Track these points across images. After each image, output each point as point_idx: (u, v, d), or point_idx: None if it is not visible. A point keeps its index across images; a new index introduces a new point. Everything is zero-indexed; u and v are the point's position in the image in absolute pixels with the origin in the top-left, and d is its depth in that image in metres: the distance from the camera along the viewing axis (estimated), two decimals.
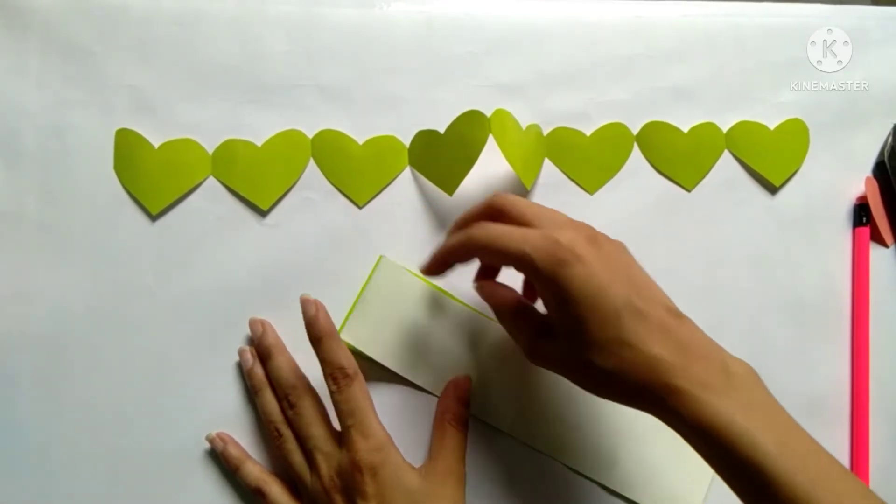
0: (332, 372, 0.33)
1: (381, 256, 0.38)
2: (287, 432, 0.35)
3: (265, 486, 0.35)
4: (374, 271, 0.38)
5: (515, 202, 0.32)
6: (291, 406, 0.34)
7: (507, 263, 0.31)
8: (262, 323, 0.37)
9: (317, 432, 0.34)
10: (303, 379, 0.36)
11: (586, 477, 0.37)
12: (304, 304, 0.35)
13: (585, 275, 0.28)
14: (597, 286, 0.28)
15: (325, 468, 0.33)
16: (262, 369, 0.36)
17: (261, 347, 0.37)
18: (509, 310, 0.33)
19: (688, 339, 0.28)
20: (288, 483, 0.36)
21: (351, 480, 0.31)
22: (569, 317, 0.28)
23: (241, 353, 0.37)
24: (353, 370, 0.33)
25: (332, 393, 0.33)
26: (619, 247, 0.31)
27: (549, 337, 0.30)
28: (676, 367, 0.27)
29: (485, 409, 0.38)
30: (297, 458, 0.34)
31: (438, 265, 0.34)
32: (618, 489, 0.37)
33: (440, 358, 0.38)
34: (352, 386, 0.33)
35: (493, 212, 0.32)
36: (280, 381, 0.35)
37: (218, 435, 0.37)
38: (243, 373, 0.37)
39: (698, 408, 0.26)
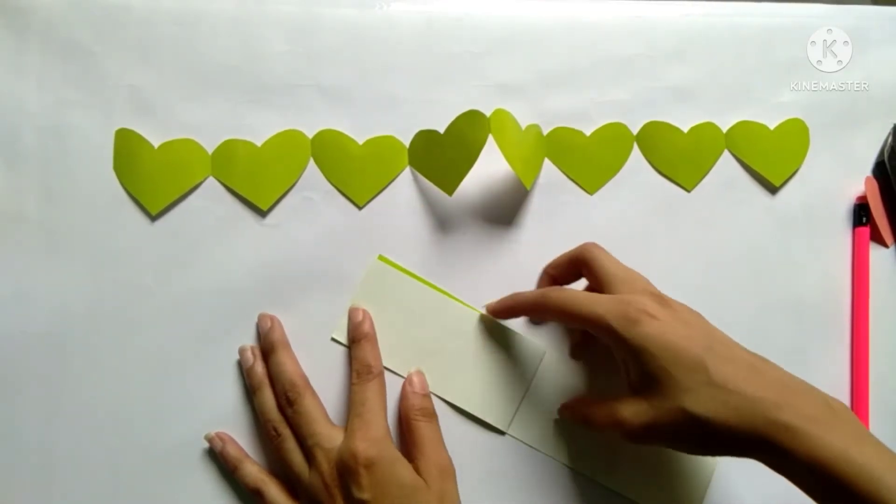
0: (358, 368, 0.35)
1: (377, 256, 0.39)
2: (285, 431, 0.35)
3: (263, 487, 0.35)
4: (367, 272, 0.38)
5: (603, 259, 0.34)
6: (290, 403, 0.35)
7: (581, 326, 0.32)
8: (271, 318, 0.37)
9: (318, 430, 0.34)
10: (303, 377, 0.36)
11: (586, 476, 0.37)
12: (352, 312, 0.38)
13: (660, 330, 0.29)
14: (673, 339, 0.28)
15: (325, 464, 0.33)
16: (262, 368, 0.36)
17: (265, 342, 0.37)
18: (595, 407, 0.33)
19: (782, 378, 0.28)
20: (286, 483, 0.36)
21: (348, 472, 0.32)
22: (652, 372, 0.29)
23: (241, 351, 0.37)
24: (378, 371, 0.36)
25: (351, 385, 0.35)
26: (690, 309, 0.32)
27: (632, 400, 0.30)
28: (780, 403, 0.27)
29: (483, 408, 0.38)
30: (295, 457, 0.34)
31: (506, 312, 0.36)
32: (618, 489, 0.37)
33: (437, 357, 0.38)
34: (371, 382, 0.35)
35: (579, 261, 0.35)
36: (280, 378, 0.35)
37: (217, 434, 0.37)
38: (243, 371, 0.37)
39: (811, 444, 0.26)
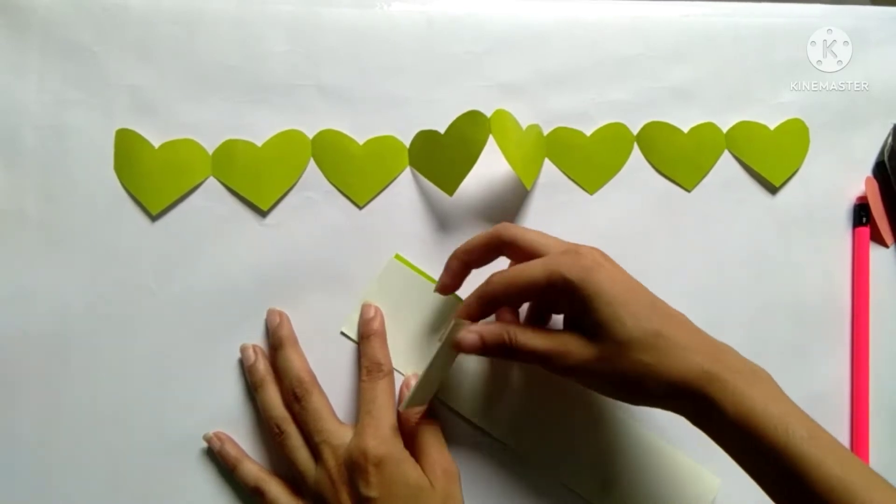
0: (368, 365, 0.35)
1: (394, 255, 0.39)
2: (289, 429, 0.35)
3: (264, 485, 0.35)
4: (383, 270, 0.38)
5: (525, 233, 0.33)
6: (298, 400, 0.35)
7: (536, 293, 0.31)
8: (280, 314, 0.37)
9: (326, 426, 0.34)
10: (310, 373, 0.36)
11: (583, 498, 0.37)
12: (365, 308, 0.37)
13: (612, 277, 0.30)
14: (626, 286, 0.30)
15: (333, 460, 0.33)
16: (264, 365, 0.36)
17: (273, 338, 0.37)
18: (534, 333, 0.32)
19: (712, 339, 0.31)
20: (287, 481, 0.36)
21: (357, 469, 0.32)
22: (603, 316, 0.30)
23: (243, 349, 0.37)
24: (388, 369, 0.36)
25: (361, 382, 0.35)
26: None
27: (575, 346, 0.31)
28: (714, 358, 0.29)
29: (486, 418, 0.38)
30: (301, 454, 0.34)
31: (467, 314, 0.34)
32: None
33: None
34: (382, 380, 0.35)
35: (499, 243, 0.34)
36: (288, 374, 0.35)
37: (215, 434, 0.37)
38: (244, 369, 0.37)
39: (736, 396, 0.28)
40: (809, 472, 0.26)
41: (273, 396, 0.36)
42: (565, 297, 0.31)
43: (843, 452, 0.27)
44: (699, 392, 0.28)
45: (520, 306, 0.36)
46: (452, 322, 0.33)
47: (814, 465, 0.26)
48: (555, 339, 0.31)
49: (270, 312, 0.37)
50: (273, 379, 0.36)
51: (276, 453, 0.37)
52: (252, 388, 0.37)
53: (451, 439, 0.37)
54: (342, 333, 0.38)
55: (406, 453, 0.33)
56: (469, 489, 0.36)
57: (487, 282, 0.33)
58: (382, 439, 0.32)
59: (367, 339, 0.36)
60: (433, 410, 0.37)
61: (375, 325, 0.37)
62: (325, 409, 0.35)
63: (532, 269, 0.31)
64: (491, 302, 0.33)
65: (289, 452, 0.34)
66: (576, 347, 0.31)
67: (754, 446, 0.27)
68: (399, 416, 0.35)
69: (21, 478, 0.36)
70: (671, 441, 0.38)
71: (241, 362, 0.37)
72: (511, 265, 0.36)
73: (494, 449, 0.38)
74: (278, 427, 0.35)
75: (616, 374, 0.30)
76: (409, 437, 0.35)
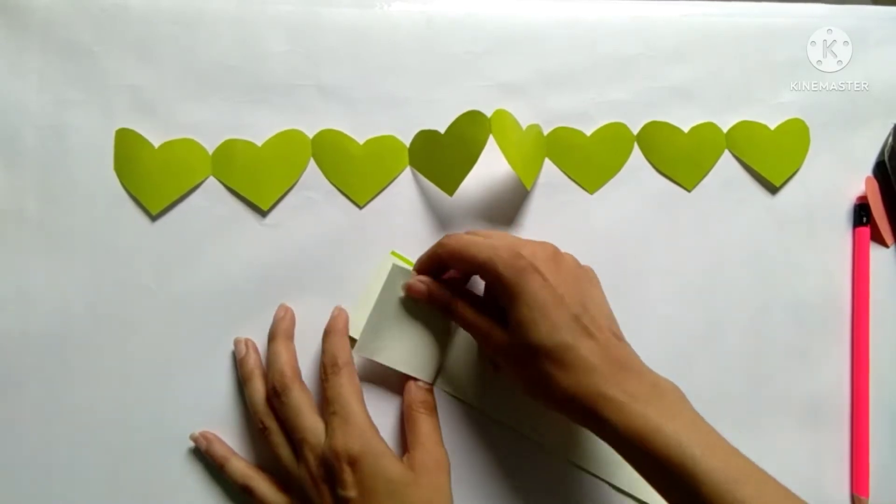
0: (325, 361, 0.35)
1: (390, 252, 0.39)
2: (272, 424, 0.34)
3: (251, 483, 0.35)
4: (378, 267, 0.38)
5: (466, 247, 0.34)
6: (277, 395, 0.34)
7: (474, 270, 0.34)
8: (286, 309, 0.37)
9: (304, 423, 0.33)
10: (293, 368, 0.35)
11: (592, 474, 0.37)
12: (334, 309, 0.37)
13: (541, 285, 0.31)
14: (550, 297, 0.31)
15: (312, 458, 0.32)
16: (254, 360, 0.36)
17: (271, 329, 0.37)
18: (468, 296, 0.36)
19: (624, 358, 0.31)
20: (277, 476, 0.35)
21: (331, 470, 0.31)
22: (521, 317, 0.31)
23: (235, 342, 0.37)
24: (343, 361, 0.35)
25: (321, 382, 0.35)
26: (583, 272, 0.34)
27: (504, 330, 0.33)
28: (610, 379, 0.30)
29: (493, 404, 0.38)
30: (283, 450, 0.34)
31: (418, 269, 0.37)
32: (625, 488, 0.37)
33: (450, 358, 0.38)
34: (339, 375, 0.34)
35: (442, 260, 0.35)
36: (272, 367, 0.35)
37: (201, 434, 0.37)
38: (236, 362, 0.37)
39: (627, 415, 0.29)
40: (703, 490, 0.27)
41: (258, 391, 0.35)
42: (496, 288, 0.32)
43: (739, 468, 0.28)
44: (591, 411, 0.29)
45: (468, 278, 0.38)
46: (391, 265, 0.37)
47: (706, 481, 0.27)
48: (485, 319, 0.33)
49: (280, 306, 0.38)
50: (261, 374, 0.36)
51: (264, 447, 0.37)
52: (241, 381, 0.37)
53: (452, 429, 0.37)
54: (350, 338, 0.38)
55: (383, 447, 0.32)
56: (470, 479, 0.36)
57: (440, 243, 0.35)
58: (354, 437, 0.32)
59: (324, 337, 0.36)
60: (434, 401, 0.37)
61: (336, 322, 0.36)
62: (305, 405, 0.34)
63: (477, 249, 0.33)
64: (438, 264, 0.36)
65: (273, 448, 0.34)
66: (497, 335, 0.33)
67: (651, 464, 0.28)
68: (403, 403, 0.36)
69: (21, 477, 0.36)
70: None
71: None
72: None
73: (495, 435, 0.38)
74: (262, 423, 0.35)
75: (522, 373, 0.32)
76: (406, 426, 0.35)
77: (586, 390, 0.30)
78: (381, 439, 0.33)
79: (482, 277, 0.34)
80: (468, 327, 0.35)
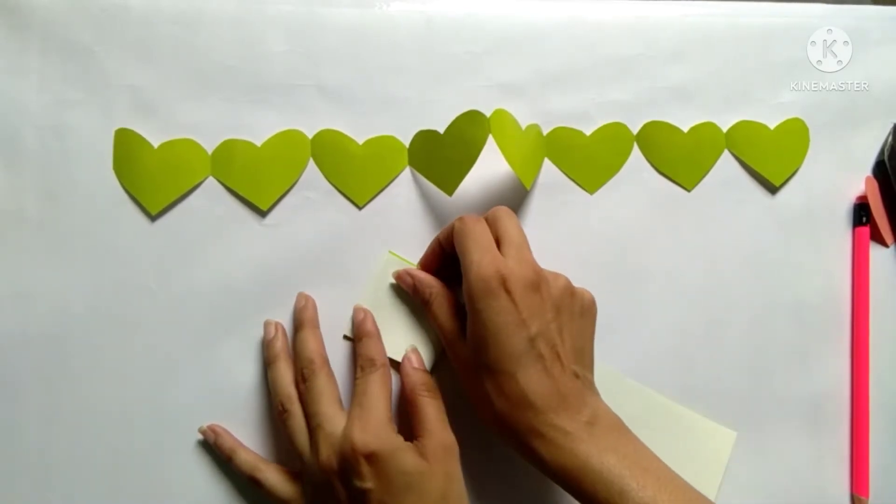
0: (361, 362, 0.36)
1: (389, 252, 0.39)
2: (293, 408, 0.35)
3: (259, 474, 0.35)
4: (378, 267, 0.39)
5: (511, 224, 0.34)
6: (304, 379, 0.35)
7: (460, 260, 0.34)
8: (306, 298, 0.38)
9: (323, 410, 0.34)
10: (322, 356, 0.36)
11: None
12: (355, 311, 0.38)
13: (502, 309, 0.31)
14: (508, 322, 0.31)
15: (325, 448, 0.32)
16: (282, 343, 0.37)
17: (296, 319, 0.37)
18: (447, 299, 0.36)
19: (568, 393, 0.31)
20: (288, 464, 0.36)
21: (348, 462, 0.31)
22: (476, 337, 0.32)
23: (266, 325, 0.38)
24: (380, 363, 0.36)
25: (355, 379, 0.35)
26: (574, 304, 0.34)
27: (459, 341, 0.34)
28: (544, 413, 0.30)
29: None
30: (300, 436, 0.34)
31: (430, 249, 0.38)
32: None
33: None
34: (374, 373, 0.35)
35: (445, 251, 0.36)
36: (301, 354, 0.36)
37: (209, 427, 0.37)
38: (263, 343, 0.37)
39: (555, 451, 0.29)
40: None
41: (283, 374, 0.36)
42: (465, 296, 0.33)
43: (670, 496, 0.28)
44: (524, 443, 0.30)
45: None
46: (386, 257, 0.38)
47: None
48: (453, 326, 0.34)
49: (299, 295, 0.38)
50: (287, 357, 0.36)
51: (276, 446, 0.37)
52: (266, 364, 0.37)
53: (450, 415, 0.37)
54: (345, 337, 0.38)
55: (398, 441, 0.32)
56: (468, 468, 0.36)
57: (459, 218, 0.35)
58: (372, 431, 0.32)
59: (360, 341, 0.37)
60: (434, 382, 0.36)
61: (367, 326, 0.37)
62: (328, 393, 0.34)
63: (468, 247, 0.33)
64: (438, 249, 0.37)
65: (290, 432, 0.34)
66: (458, 345, 0.34)
67: (584, 499, 0.29)
68: (403, 388, 0.36)
69: (21, 477, 0.36)
70: (681, 401, 0.38)
71: (240, 361, 0.38)
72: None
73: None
74: (282, 405, 0.35)
75: (469, 389, 0.33)
76: (410, 411, 0.35)
77: (519, 421, 0.30)
78: (398, 434, 0.33)
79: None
80: (438, 329, 0.35)
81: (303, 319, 0.37)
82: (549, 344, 0.31)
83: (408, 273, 0.37)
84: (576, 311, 0.33)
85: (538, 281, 0.32)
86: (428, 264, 0.38)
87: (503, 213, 0.35)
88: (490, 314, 0.31)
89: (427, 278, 0.37)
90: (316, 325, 0.37)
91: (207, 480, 0.37)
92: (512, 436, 0.31)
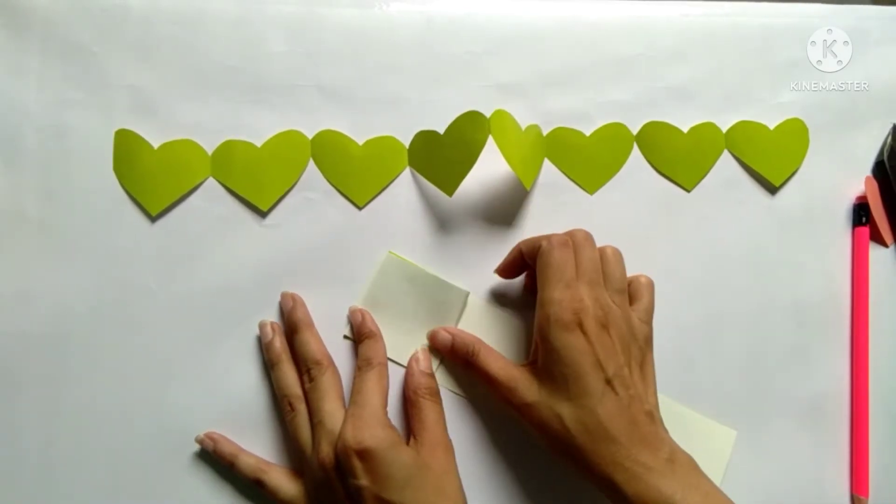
0: (359, 363, 0.36)
1: (388, 252, 0.39)
2: (300, 407, 0.35)
3: (263, 476, 0.35)
4: (380, 266, 0.39)
5: (588, 254, 0.34)
6: (311, 380, 0.35)
7: (538, 286, 0.34)
8: (293, 297, 0.38)
9: (326, 406, 0.34)
10: (327, 355, 0.36)
11: None
12: (352, 314, 0.38)
13: (579, 348, 0.31)
14: (585, 360, 0.31)
15: (325, 445, 0.33)
16: (281, 343, 0.37)
17: (289, 322, 0.37)
18: (489, 348, 0.36)
19: (647, 433, 0.31)
20: (288, 464, 0.36)
21: (343, 458, 0.32)
22: (552, 373, 0.32)
23: (261, 326, 0.38)
24: (377, 361, 0.36)
25: (354, 378, 0.36)
26: (638, 332, 0.34)
27: (523, 386, 0.33)
28: (627, 449, 0.30)
29: (488, 398, 0.38)
30: (304, 433, 0.35)
31: (507, 269, 0.38)
32: None
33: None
34: (369, 371, 0.35)
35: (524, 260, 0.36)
36: (305, 356, 0.36)
37: (206, 435, 0.37)
38: (262, 346, 0.37)
39: (640, 486, 0.30)
40: None
41: (288, 374, 0.36)
42: (538, 332, 0.33)
43: None
44: (606, 478, 0.30)
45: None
46: (386, 256, 0.38)
47: None
48: (509, 372, 0.34)
49: (283, 296, 0.38)
50: (289, 358, 0.37)
51: (277, 445, 0.37)
52: (268, 366, 0.37)
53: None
54: (345, 337, 0.38)
55: (394, 436, 0.33)
56: (469, 473, 0.36)
57: (539, 241, 0.35)
58: (366, 429, 0.32)
59: (360, 342, 0.37)
60: (437, 386, 0.37)
61: (367, 326, 0.37)
62: (332, 391, 0.35)
63: (552, 285, 0.33)
64: (520, 260, 0.37)
65: (294, 430, 0.35)
66: (520, 384, 0.33)
67: None
68: (406, 387, 0.36)
69: (22, 477, 0.36)
70: (681, 401, 0.38)
71: (240, 361, 0.37)
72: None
73: (493, 430, 0.38)
74: (290, 405, 0.35)
75: (544, 430, 0.32)
76: (410, 411, 0.36)
77: (601, 456, 0.30)
78: (394, 430, 0.33)
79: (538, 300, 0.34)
80: (491, 380, 0.35)
81: (297, 321, 0.37)
82: (624, 385, 0.32)
83: (446, 330, 0.37)
84: (640, 344, 0.34)
85: (607, 320, 0.32)
86: (508, 272, 0.38)
87: (582, 239, 0.35)
88: (569, 352, 0.31)
89: (465, 335, 0.37)
90: (311, 324, 0.37)
91: (208, 480, 0.37)
92: (590, 469, 0.31)
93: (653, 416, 0.32)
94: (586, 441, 0.31)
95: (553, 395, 0.32)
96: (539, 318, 0.33)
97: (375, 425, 0.32)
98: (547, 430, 0.32)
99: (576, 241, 0.34)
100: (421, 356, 0.37)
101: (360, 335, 0.37)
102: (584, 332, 0.31)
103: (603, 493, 0.31)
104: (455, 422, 0.38)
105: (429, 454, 0.33)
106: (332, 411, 0.34)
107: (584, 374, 0.31)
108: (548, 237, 0.34)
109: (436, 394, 0.36)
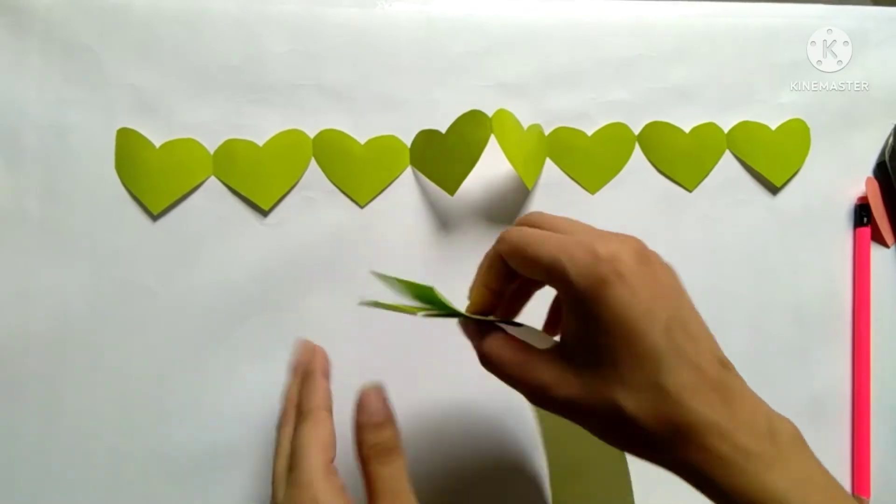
0: (296, 411, 0.29)
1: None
2: (280, 437, 0.29)
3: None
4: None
5: (547, 216, 0.28)
6: (299, 422, 0.28)
7: (539, 275, 0.25)
8: (315, 348, 0.31)
9: (282, 463, 0.28)
10: (322, 403, 0.28)
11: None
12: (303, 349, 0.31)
13: (626, 301, 0.23)
14: (638, 316, 0.23)
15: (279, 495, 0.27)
16: (317, 362, 0.30)
17: (307, 367, 0.30)
18: (512, 350, 0.27)
19: (735, 395, 0.23)
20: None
21: None
22: (597, 347, 0.24)
23: (303, 344, 0.31)
24: (312, 406, 0.28)
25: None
26: (672, 272, 0.26)
27: (557, 368, 0.25)
28: (721, 428, 0.22)
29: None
30: (279, 461, 0.28)
31: (477, 295, 0.29)
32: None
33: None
34: (302, 425, 0.27)
35: (505, 259, 0.27)
36: (306, 399, 0.29)
37: (309, 345, 0.30)
38: (295, 363, 0.31)
39: (745, 481, 0.22)
40: None
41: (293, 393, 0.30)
42: (565, 302, 0.25)
43: None
44: (692, 466, 0.23)
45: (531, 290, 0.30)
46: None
47: None
48: (528, 363, 0.26)
49: (304, 346, 0.31)
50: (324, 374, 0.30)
51: None
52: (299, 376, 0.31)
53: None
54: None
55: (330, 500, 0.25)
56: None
57: (500, 237, 0.27)
58: (298, 496, 0.25)
59: (304, 380, 0.30)
60: (394, 438, 0.27)
61: (310, 363, 0.30)
62: (307, 446, 0.26)
63: (541, 246, 0.25)
64: (502, 266, 0.27)
65: (277, 451, 0.29)
66: (553, 381, 0.25)
67: None
68: (357, 451, 0.27)
69: (22, 477, 0.36)
70: None
71: (240, 361, 0.37)
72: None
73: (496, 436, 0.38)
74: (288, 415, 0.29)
75: (597, 421, 0.24)
76: (363, 476, 0.27)
77: (690, 443, 0.23)
78: (338, 493, 0.25)
79: (550, 285, 0.26)
80: (507, 379, 0.26)
81: (315, 369, 0.30)
82: (686, 331, 0.24)
83: (472, 331, 0.28)
84: (676, 277, 0.26)
85: (643, 249, 0.25)
86: (483, 313, 0.29)
87: (536, 214, 0.28)
88: (613, 312, 0.23)
89: (471, 330, 0.28)
90: (327, 375, 0.30)
91: (208, 480, 0.37)
92: (674, 462, 0.23)
93: (724, 364, 0.24)
94: (663, 430, 0.23)
95: (601, 375, 0.24)
96: (565, 284, 0.24)
97: (314, 493, 0.25)
98: (604, 429, 0.24)
99: (531, 218, 0.28)
100: (372, 397, 0.27)
101: (302, 372, 0.30)
102: (623, 281, 0.23)
103: (690, 485, 0.24)
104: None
105: None
106: (280, 475, 0.27)
107: (639, 333, 0.23)
108: (497, 240, 0.27)
109: (391, 451, 0.26)
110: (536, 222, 0.27)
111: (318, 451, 0.26)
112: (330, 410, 0.28)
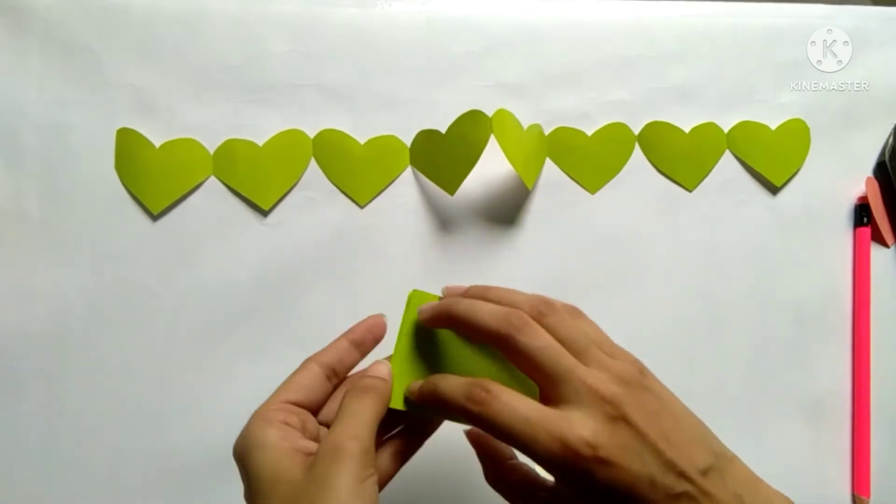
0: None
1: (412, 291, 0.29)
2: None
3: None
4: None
5: (557, 320, 0.25)
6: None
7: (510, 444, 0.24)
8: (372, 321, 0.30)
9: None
10: (323, 356, 0.28)
11: None
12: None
13: (612, 477, 0.22)
14: (629, 485, 0.22)
15: None
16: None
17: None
18: (505, 468, 0.28)
19: (726, 496, 0.23)
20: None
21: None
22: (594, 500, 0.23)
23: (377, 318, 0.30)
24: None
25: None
26: (659, 392, 0.25)
27: None
28: None
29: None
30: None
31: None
32: None
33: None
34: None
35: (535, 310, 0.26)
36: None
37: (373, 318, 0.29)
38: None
39: None
40: None
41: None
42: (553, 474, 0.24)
43: None
44: None
45: None
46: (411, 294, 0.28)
47: None
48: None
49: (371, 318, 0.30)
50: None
51: None
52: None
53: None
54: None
55: (265, 437, 0.27)
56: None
57: (447, 307, 0.26)
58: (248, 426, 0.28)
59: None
60: (377, 380, 0.27)
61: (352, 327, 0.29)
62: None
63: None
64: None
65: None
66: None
67: None
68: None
69: (22, 476, 0.36)
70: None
71: (240, 360, 0.37)
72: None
73: None
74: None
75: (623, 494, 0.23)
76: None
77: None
78: (278, 428, 0.26)
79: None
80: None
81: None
82: (674, 469, 0.23)
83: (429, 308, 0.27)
84: (670, 399, 0.25)
85: (616, 398, 0.23)
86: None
87: (545, 305, 0.26)
88: (601, 488, 0.22)
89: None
90: (359, 344, 0.29)
91: (207, 479, 0.37)
92: None
93: (713, 471, 0.24)
94: None
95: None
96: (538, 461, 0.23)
97: (255, 420, 0.26)
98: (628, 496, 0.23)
99: (544, 311, 0.25)
100: (382, 364, 0.27)
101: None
102: (604, 463, 0.22)
103: None
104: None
105: (317, 462, 0.24)
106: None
107: (630, 498, 0.22)
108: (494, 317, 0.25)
109: (370, 389, 0.26)
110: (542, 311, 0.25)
111: (279, 390, 0.27)
112: (322, 365, 0.27)
